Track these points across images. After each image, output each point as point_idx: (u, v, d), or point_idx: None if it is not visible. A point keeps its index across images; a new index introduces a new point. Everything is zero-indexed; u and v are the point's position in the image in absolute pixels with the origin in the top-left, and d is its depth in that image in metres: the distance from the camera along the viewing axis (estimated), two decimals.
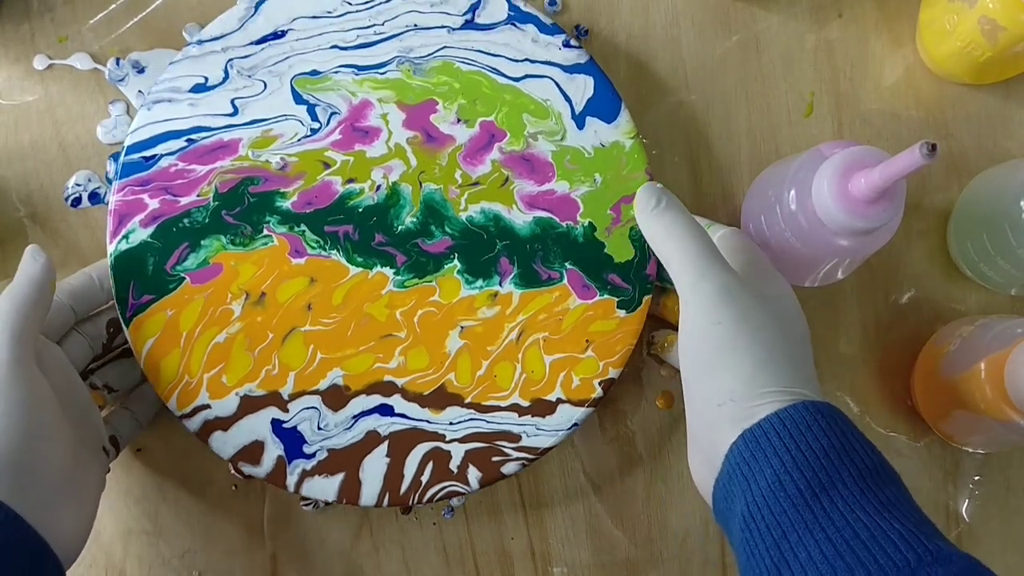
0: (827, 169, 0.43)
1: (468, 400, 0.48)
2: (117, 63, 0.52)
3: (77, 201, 0.52)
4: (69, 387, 0.43)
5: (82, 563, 0.50)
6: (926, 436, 0.53)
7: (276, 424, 0.47)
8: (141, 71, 0.52)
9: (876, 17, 0.54)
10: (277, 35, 0.49)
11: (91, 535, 0.49)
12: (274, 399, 0.47)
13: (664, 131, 0.53)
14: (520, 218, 0.49)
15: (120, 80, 0.52)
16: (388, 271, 0.48)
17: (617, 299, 0.48)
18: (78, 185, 0.52)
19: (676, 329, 0.49)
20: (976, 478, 0.52)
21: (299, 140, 0.49)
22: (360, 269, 0.48)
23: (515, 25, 0.50)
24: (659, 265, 0.49)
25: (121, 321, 0.47)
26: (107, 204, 0.51)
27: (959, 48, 0.50)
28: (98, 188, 0.52)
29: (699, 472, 0.41)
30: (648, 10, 0.54)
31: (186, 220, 0.48)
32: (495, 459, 0.47)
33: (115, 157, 0.52)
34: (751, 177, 0.53)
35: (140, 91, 0.52)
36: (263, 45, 0.49)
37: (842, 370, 0.53)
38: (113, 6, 0.53)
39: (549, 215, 0.49)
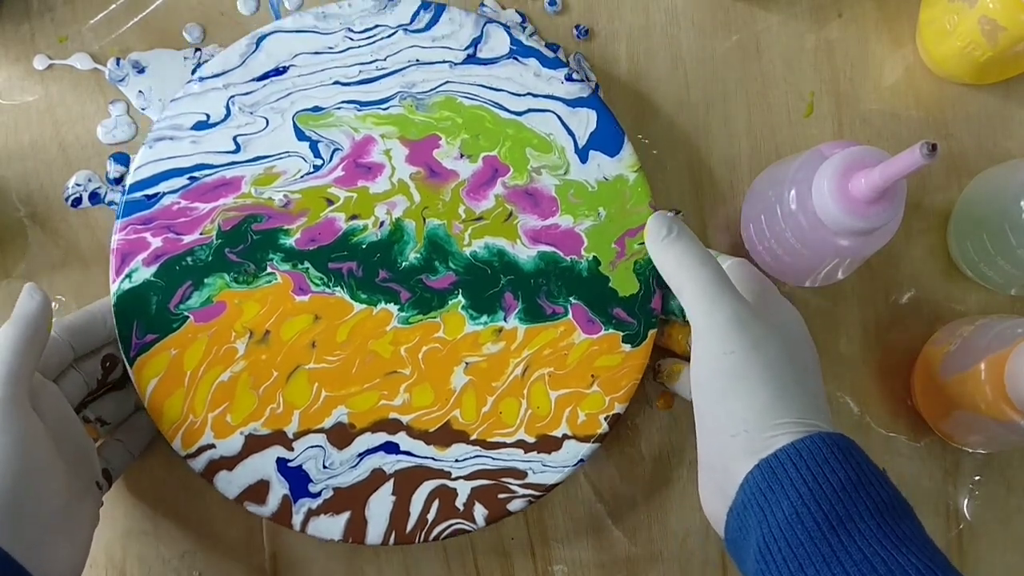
0: (827, 169, 0.43)
1: (473, 437, 0.47)
2: (117, 63, 0.52)
3: (77, 201, 0.52)
4: (64, 424, 0.43)
5: None
6: (926, 436, 0.53)
7: (281, 463, 0.47)
8: (141, 71, 0.52)
9: (876, 17, 0.54)
10: (279, 71, 0.49)
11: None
12: (279, 438, 0.47)
13: (664, 131, 0.53)
14: (524, 253, 0.48)
15: (120, 80, 0.52)
16: (392, 307, 0.48)
17: (622, 333, 0.48)
18: (78, 185, 0.52)
19: (680, 357, 0.49)
20: (976, 478, 0.52)
21: (302, 177, 0.48)
22: (364, 306, 0.48)
23: (517, 59, 0.50)
24: (664, 298, 0.49)
25: (124, 359, 0.47)
26: (108, 204, 0.52)
27: (959, 48, 0.50)
28: (98, 188, 0.52)
29: (711, 502, 0.41)
30: (648, 10, 0.54)
31: (189, 258, 0.47)
32: (501, 496, 0.47)
33: (116, 157, 0.52)
34: (751, 177, 0.53)
35: (140, 91, 0.52)
36: (265, 81, 0.49)
37: (842, 370, 0.53)
38: (113, 6, 0.53)
39: (553, 250, 0.49)
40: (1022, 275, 0.50)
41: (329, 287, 0.48)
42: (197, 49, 0.52)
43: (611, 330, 0.48)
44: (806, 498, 0.36)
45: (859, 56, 0.54)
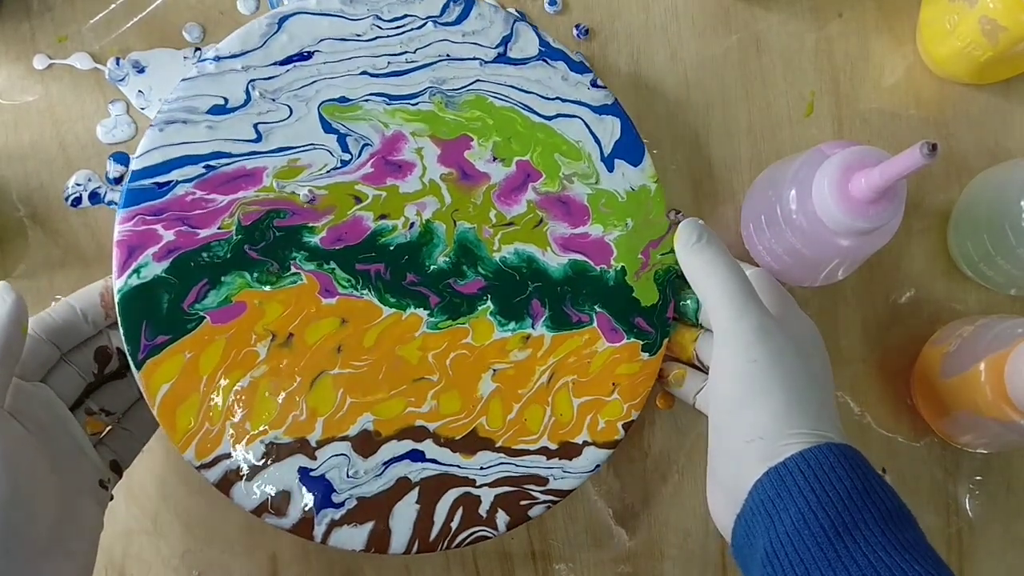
0: (827, 169, 0.43)
1: (499, 444, 0.47)
2: (117, 63, 0.52)
3: (77, 201, 0.52)
4: (57, 426, 0.42)
5: None
6: (926, 436, 0.53)
7: (303, 472, 0.45)
8: (141, 71, 0.52)
9: (876, 17, 0.54)
10: (303, 56, 0.47)
11: None
12: (301, 446, 0.45)
13: (664, 130, 0.53)
14: (555, 260, 0.48)
15: (120, 80, 0.52)
16: (422, 312, 0.47)
17: (642, 342, 0.48)
18: (78, 185, 0.52)
19: (683, 363, 0.49)
20: (976, 478, 0.52)
21: (328, 172, 0.46)
22: (393, 310, 0.46)
23: (546, 61, 0.49)
24: (676, 302, 0.49)
25: (123, 350, 0.45)
26: (108, 204, 0.52)
27: (959, 48, 0.50)
28: (98, 188, 0.52)
29: (718, 507, 0.41)
30: (648, 9, 0.54)
31: (205, 254, 0.45)
32: (523, 503, 0.47)
33: (115, 157, 0.52)
34: (751, 177, 0.53)
35: (140, 91, 0.52)
36: (288, 66, 0.47)
37: (842, 370, 0.53)
38: (113, 6, 0.53)
39: (584, 258, 0.48)
40: (1022, 275, 0.50)
41: (357, 290, 0.46)
42: (197, 48, 0.52)
43: (632, 339, 0.48)
44: (813, 505, 0.36)
45: (859, 56, 0.54)
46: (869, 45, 0.54)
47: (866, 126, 0.54)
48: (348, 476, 0.46)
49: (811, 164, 0.45)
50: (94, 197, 0.52)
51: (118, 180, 0.52)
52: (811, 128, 0.54)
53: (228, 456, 0.45)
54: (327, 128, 0.47)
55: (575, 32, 0.53)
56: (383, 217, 0.47)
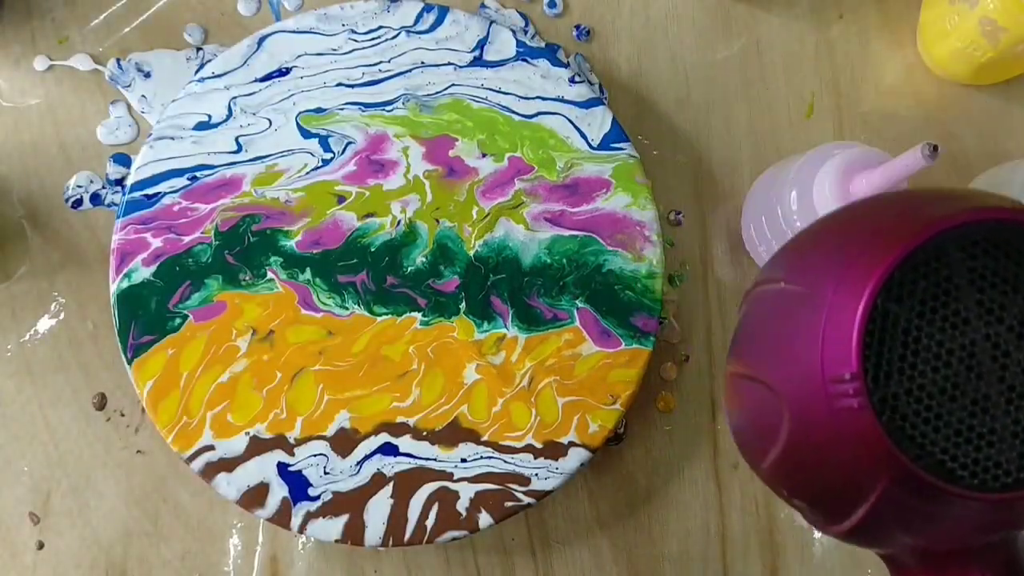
0: (828, 170, 0.43)
1: (485, 437, 0.46)
2: (118, 64, 0.52)
3: (78, 202, 0.52)
4: None
5: (82, 564, 0.50)
6: None
7: (282, 467, 0.46)
8: (147, 76, 0.52)
9: (877, 18, 0.54)
10: (282, 72, 0.49)
11: (92, 536, 0.50)
12: (280, 443, 0.46)
13: (665, 131, 0.53)
14: (537, 236, 0.48)
15: (127, 86, 0.52)
16: (416, 315, 0.47)
17: (648, 349, 0.47)
18: (79, 186, 0.52)
19: None
20: None
21: (307, 172, 0.48)
22: (388, 316, 0.47)
23: (526, 61, 0.49)
24: None
25: (124, 361, 0.47)
26: (108, 206, 0.52)
27: (960, 49, 0.50)
28: (99, 189, 0.52)
29: None
30: (649, 11, 0.54)
31: (189, 259, 0.47)
32: (502, 501, 0.46)
33: (116, 158, 0.52)
34: (752, 178, 0.53)
35: (142, 94, 0.52)
36: (268, 82, 0.49)
37: None
38: (114, 7, 0.53)
39: (591, 235, 0.48)
40: None
41: (345, 306, 0.47)
42: (199, 49, 0.52)
43: (634, 345, 0.47)
44: None
45: (860, 57, 0.54)
46: (869, 46, 0.54)
47: (867, 127, 0.54)
48: (325, 473, 0.46)
49: (812, 165, 0.45)
50: (95, 199, 0.52)
51: (119, 182, 0.52)
52: (812, 129, 0.54)
53: (210, 448, 0.46)
54: (306, 135, 0.48)
55: (575, 33, 0.53)
56: (369, 216, 0.48)
